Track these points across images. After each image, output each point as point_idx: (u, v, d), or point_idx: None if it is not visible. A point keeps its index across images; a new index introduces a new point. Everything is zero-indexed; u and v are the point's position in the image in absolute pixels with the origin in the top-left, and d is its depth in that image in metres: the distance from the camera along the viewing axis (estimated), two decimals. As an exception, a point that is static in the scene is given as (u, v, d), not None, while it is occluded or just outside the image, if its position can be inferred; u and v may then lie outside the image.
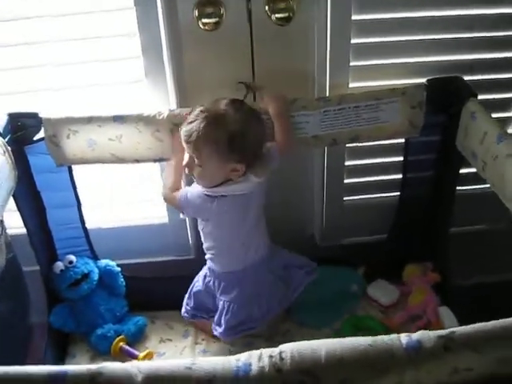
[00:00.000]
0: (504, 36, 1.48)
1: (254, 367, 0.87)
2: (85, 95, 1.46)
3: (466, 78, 1.45)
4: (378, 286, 1.64)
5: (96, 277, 1.56)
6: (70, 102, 1.45)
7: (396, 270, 1.66)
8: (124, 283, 1.60)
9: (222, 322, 1.44)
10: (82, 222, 1.54)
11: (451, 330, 0.90)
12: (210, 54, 1.44)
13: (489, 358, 0.91)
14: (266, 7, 1.38)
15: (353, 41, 1.43)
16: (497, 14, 1.45)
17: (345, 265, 1.67)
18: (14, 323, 1.36)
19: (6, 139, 1.34)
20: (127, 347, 1.51)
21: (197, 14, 1.36)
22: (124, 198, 1.59)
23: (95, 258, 1.60)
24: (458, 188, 1.57)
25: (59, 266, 1.53)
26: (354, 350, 0.88)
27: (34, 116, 1.39)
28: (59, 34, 1.37)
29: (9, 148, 1.33)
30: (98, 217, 1.61)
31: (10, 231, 1.50)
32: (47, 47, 1.39)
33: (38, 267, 1.52)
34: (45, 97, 1.45)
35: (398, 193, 1.60)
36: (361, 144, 1.54)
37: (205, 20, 1.36)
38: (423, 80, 1.45)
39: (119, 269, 1.60)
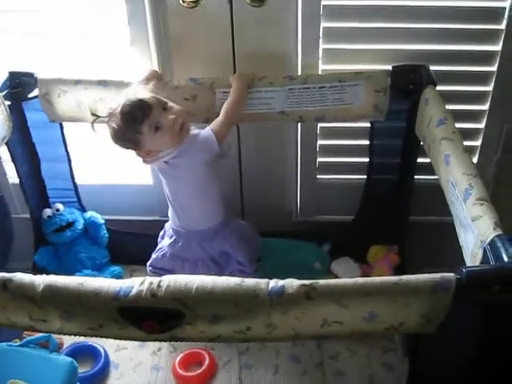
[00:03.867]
0: (477, 29, 1.51)
1: (134, 290, 0.99)
2: (79, 61, 1.62)
3: (437, 68, 1.50)
4: (341, 262, 1.73)
5: (80, 226, 1.73)
6: (65, 65, 1.62)
7: (363, 250, 1.73)
8: (107, 235, 1.77)
9: (153, 254, 1.60)
10: (72, 175, 1.72)
11: (316, 280, 0.98)
12: (193, 29, 1.57)
13: (354, 314, 0.99)
14: (244, -11, 1.49)
15: (323, 24, 1.51)
16: (470, 6, 1.49)
17: (314, 241, 1.75)
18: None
19: (4, 93, 1.52)
20: (101, 292, 1.66)
21: (178, -10, 1.49)
22: (112, 158, 1.73)
23: (82, 209, 1.77)
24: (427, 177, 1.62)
25: (47, 212, 1.71)
26: (223, 286, 0.99)
27: (31, 75, 1.57)
28: (58, 5, 1.55)
29: (4, 101, 1.51)
30: (88, 173, 1.77)
31: (10, 180, 1.71)
32: (45, 16, 1.57)
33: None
34: (42, 60, 1.62)
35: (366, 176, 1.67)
36: (333, 125, 1.63)
37: (184, -4, 1.49)
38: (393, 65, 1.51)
39: (103, 221, 1.77)
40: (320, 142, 1.69)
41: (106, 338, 1.08)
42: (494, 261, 0.98)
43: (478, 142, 1.66)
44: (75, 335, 1.09)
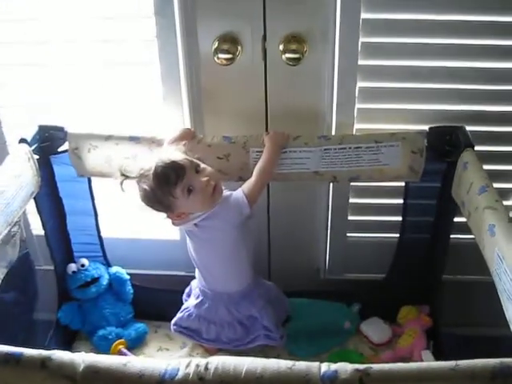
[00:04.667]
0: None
1: (181, 373, 0.95)
2: (110, 116, 1.61)
3: (473, 128, 1.48)
4: (371, 323, 1.68)
5: (105, 282, 1.69)
6: (96, 120, 1.60)
7: (393, 311, 1.69)
8: (132, 291, 1.73)
9: (178, 312, 1.57)
10: (98, 230, 1.69)
11: (369, 365, 0.95)
12: (226, 86, 1.55)
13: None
14: (281, 46, 1.47)
15: (359, 84, 1.49)
16: (505, 68, 1.48)
17: (343, 300, 1.72)
18: (17, 315, 1.50)
19: (33, 147, 1.50)
20: (125, 350, 1.62)
21: (213, 49, 1.47)
22: (138, 212, 1.70)
23: (107, 264, 1.74)
24: (462, 236, 1.59)
25: (72, 267, 1.68)
26: (273, 370, 0.95)
27: (61, 129, 1.54)
28: (91, 60, 1.54)
29: (34, 156, 1.49)
30: (114, 227, 1.74)
31: (34, 232, 1.69)
32: (79, 70, 1.56)
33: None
34: (74, 114, 1.61)
35: (398, 235, 1.63)
36: (365, 184, 1.60)
37: (220, 55, 1.46)
38: (430, 126, 1.49)
39: (128, 277, 1.73)
40: (351, 200, 1.66)
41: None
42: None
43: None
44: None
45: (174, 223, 1.44)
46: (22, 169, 1.45)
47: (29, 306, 1.57)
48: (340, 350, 1.62)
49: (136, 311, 1.75)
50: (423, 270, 1.64)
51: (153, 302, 1.75)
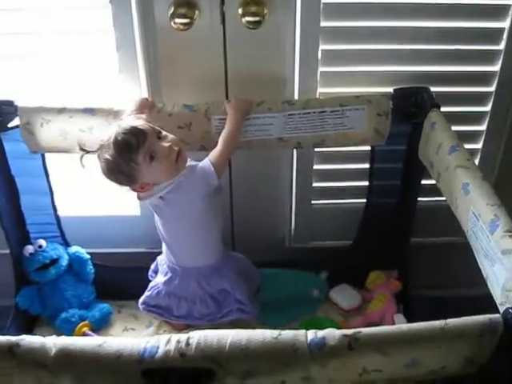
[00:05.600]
0: (475, 49, 1.49)
1: (161, 350, 0.91)
2: (63, 88, 1.52)
3: (437, 89, 1.46)
4: (340, 290, 1.66)
5: (64, 263, 1.61)
6: (48, 93, 1.51)
7: (361, 277, 1.67)
8: (93, 271, 1.66)
9: (146, 292, 1.52)
10: (54, 208, 1.60)
11: (358, 330, 0.92)
12: (183, 53, 1.49)
13: (396, 362, 0.94)
14: (239, 10, 1.42)
15: (322, 47, 1.46)
16: (467, 27, 1.47)
17: (310, 268, 1.69)
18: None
19: (-19, 124, 1.41)
20: (90, 332, 1.56)
21: (170, 14, 1.40)
22: (97, 188, 1.63)
23: (66, 244, 1.65)
24: (426, 199, 1.59)
25: (29, 249, 1.59)
26: (258, 341, 0.91)
27: (10, 104, 1.44)
28: (39, 27, 1.44)
29: (-18, 132, 1.40)
30: (71, 205, 1.66)
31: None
32: (27, 39, 1.46)
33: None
34: (23, 87, 1.52)
35: (365, 200, 1.61)
36: (329, 149, 1.57)
37: (177, 20, 1.40)
38: (395, 88, 1.47)
39: (88, 256, 1.66)
40: (316, 166, 1.63)
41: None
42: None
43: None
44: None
45: (139, 197, 1.38)
46: (-31, 147, 1.36)
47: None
48: (311, 318, 1.60)
49: (98, 291, 1.68)
50: (391, 235, 1.63)
51: (115, 280, 1.68)
